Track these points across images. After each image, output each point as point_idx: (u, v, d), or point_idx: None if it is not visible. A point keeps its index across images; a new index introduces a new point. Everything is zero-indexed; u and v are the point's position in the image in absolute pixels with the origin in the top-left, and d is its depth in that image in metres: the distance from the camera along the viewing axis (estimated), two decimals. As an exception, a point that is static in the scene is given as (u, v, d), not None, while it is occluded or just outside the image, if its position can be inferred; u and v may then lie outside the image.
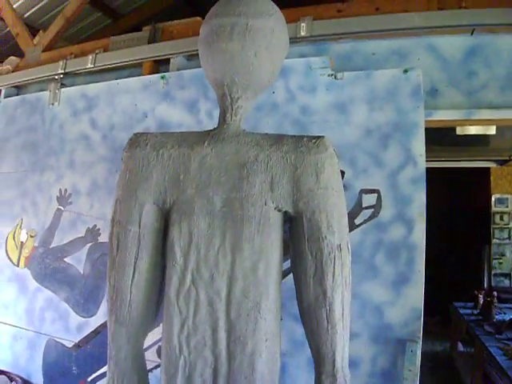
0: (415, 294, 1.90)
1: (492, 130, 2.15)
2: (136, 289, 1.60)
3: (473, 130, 2.13)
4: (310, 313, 1.52)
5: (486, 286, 6.40)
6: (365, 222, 1.98)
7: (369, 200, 1.99)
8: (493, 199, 6.61)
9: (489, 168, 6.39)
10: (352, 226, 1.94)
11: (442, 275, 7.77)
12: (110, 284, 1.65)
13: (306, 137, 1.56)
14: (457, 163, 5.96)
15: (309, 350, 1.61)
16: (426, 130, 2.12)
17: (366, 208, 1.99)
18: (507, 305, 5.33)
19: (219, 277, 1.51)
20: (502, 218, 6.67)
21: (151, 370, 2.21)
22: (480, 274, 6.72)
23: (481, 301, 5.33)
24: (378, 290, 1.95)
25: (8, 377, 2.78)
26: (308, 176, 1.51)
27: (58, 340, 2.66)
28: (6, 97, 3.15)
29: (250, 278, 1.50)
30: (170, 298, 1.55)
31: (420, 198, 1.95)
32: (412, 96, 2.00)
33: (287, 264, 1.66)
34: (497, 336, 4.40)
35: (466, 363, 5.33)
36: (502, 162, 6.20)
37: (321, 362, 1.53)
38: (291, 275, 1.62)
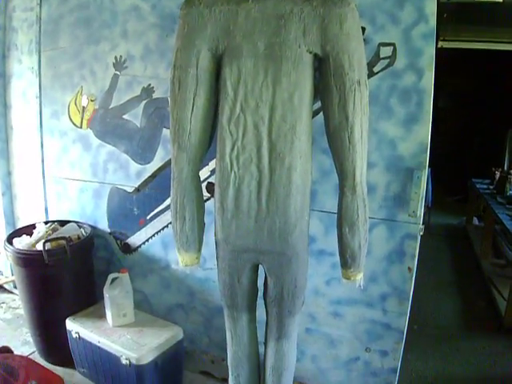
0: (423, 131, 2.18)
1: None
2: (194, 120, 1.92)
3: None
4: (334, 135, 1.84)
5: (506, 167, 6.58)
6: (382, 70, 2.21)
7: (386, 52, 2.20)
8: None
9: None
10: (371, 74, 2.19)
11: (466, 156, 7.95)
12: (173, 118, 1.96)
13: None
14: (486, 45, 5.81)
15: (335, 178, 1.93)
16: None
17: (383, 58, 2.21)
18: (523, 183, 5.55)
19: (263, 105, 1.82)
20: (527, 102, 6.75)
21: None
22: (502, 157, 6.90)
23: (497, 177, 5.63)
24: (392, 127, 2.23)
25: (77, 224, 3.15)
26: (333, 25, 1.76)
27: (119, 187, 2.99)
28: (54, -21, 3.31)
29: (288, 106, 1.80)
30: (222, 124, 1.88)
31: (429, 51, 2.15)
32: (426, -38, 2.14)
33: (319, 104, 1.96)
34: (507, 206, 4.78)
35: (478, 235, 5.73)
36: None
37: (344, 177, 1.87)
38: (321, 114, 1.93)
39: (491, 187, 5.65)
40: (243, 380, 2.36)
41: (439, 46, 5.03)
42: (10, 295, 3.99)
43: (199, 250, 2.15)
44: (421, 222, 2.27)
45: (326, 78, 1.83)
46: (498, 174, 5.66)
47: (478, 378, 3.19)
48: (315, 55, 1.82)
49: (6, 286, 4.05)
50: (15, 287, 3.73)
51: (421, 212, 2.24)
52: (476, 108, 7.88)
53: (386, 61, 2.23)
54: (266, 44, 1.82)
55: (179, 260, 2.16)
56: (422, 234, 2.29)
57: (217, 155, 1.95)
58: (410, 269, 2.33)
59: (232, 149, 1.88)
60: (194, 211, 2.05)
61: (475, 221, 6.43)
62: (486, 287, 4.55)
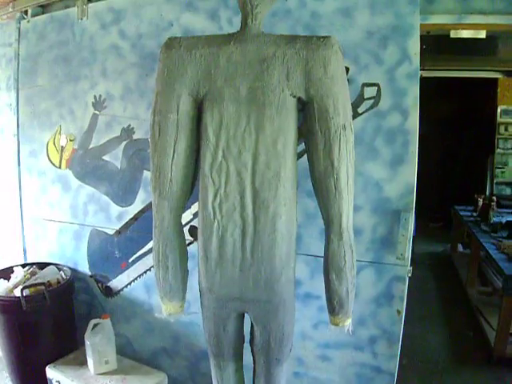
0: (409, 172, 2.15)
1: (482, 34, 2.33)
2: (175, 167, 1.85)
3: (464, 33, 2.33)
4: (320, 181, 1.78)
5: (488, 193, 6.60)
6: (366, 110, 2.19)
7: (370, 92, 2.19)
8: (499, 110, 6.76)
9: (496, 79, 6.35)
10: (355, 114, 2.16)
11: (447, 184, 8.00)
12: (153, 164, 1.88)
13: (315, 36, 1.76)
14: (465, 73, 5.71)
15: (320, 221, 1.88)
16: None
17: (368, 99, 2.19)
18: (506, 210, 5.57)
19: (245, 152, 1.76)
20: (506, 129, 6.82)
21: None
22: (483, 183, 6.96)
23: (480, 204, 5.61)
24: (377, 168, 2.20)
25: (56, 267, 3.06)
26: (317, 68, 1.71)
27: (100, 229, 2.92)
28: (33, 16, 3.24)
29: (271, 152, 1.75)
30: (204, 172, 1.81)
31: (414, 91, 2.14)
32: (409, 2, 2.13)
33: (302, 147, 1.92)
34: (492, 234, 4.72)
35: (464, 262, 5.68)
36: (509, 74, 5.95)
37: (330, 223, 1.81)
38: (305, 157, 1.87)
39: (475, 214, 5.63)
40: (231, 431, 2.28)
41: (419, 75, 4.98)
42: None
43: (183, 298, 2.08)
44: (408, 264, 2.22)
45: (310, 122, 1.78)
46: (480, 201, 5.66)
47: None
48: (299, 99, 1.78)
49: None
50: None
51: (409, 254, 2.20)
52: (457, 134, 7.95)
53: (371, 101, 2.21)
54: (248, 88, 1.77)
55: (163, 309, 2.09)
56: (410, 275, 2.24)
57: (199, 203, 1.89)
58: (398, 312, 2.28)
59: (215, 197, 1.82)
60: (177, 260, 1.98)
61: (460, 247, 6.41)
62: (474, 316, 4.51)
